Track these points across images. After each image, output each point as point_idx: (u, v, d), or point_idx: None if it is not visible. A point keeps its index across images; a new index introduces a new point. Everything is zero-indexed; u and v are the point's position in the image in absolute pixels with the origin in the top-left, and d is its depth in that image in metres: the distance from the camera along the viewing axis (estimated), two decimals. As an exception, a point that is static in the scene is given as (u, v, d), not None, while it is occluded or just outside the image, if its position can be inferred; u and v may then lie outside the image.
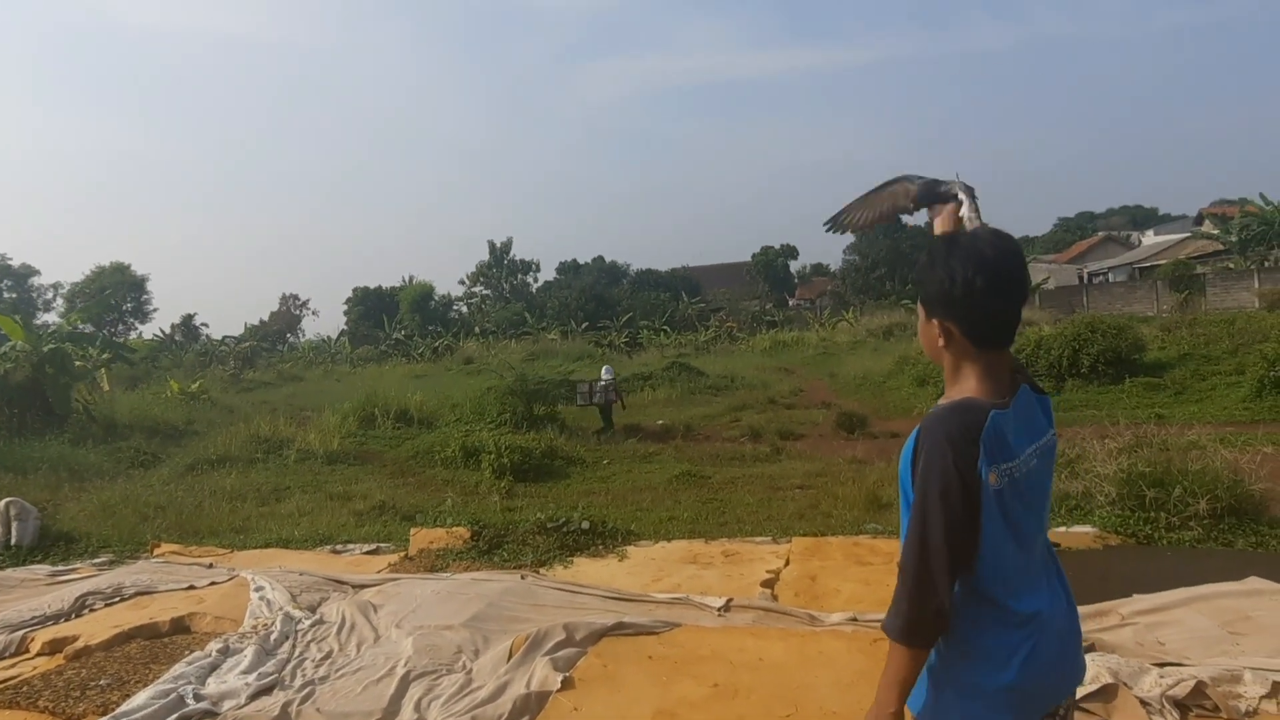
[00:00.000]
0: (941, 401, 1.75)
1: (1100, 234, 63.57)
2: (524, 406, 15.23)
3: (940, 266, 1.71)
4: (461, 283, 64.33)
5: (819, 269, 72.15)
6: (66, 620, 5.40)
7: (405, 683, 4.00)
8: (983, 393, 1.69)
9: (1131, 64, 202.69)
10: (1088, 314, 22.71)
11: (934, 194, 2.21)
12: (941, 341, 1.75)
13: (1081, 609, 4.36)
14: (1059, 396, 15.48)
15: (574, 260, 67.58)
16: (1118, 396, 14.82)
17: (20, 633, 5.09)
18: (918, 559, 1.64)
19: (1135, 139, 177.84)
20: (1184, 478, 6.32)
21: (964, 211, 2.11)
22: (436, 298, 57.02)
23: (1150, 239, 54.90)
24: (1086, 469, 7.11)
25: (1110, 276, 47.87)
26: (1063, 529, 6.27)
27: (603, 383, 15.87)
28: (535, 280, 64.79)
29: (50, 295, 57.15)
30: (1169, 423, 10.66)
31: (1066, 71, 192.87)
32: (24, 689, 4.26)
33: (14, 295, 52.91)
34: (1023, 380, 1.78)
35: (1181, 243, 45.19)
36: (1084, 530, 6.25)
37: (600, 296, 50.95)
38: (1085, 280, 48.45)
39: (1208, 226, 45.04)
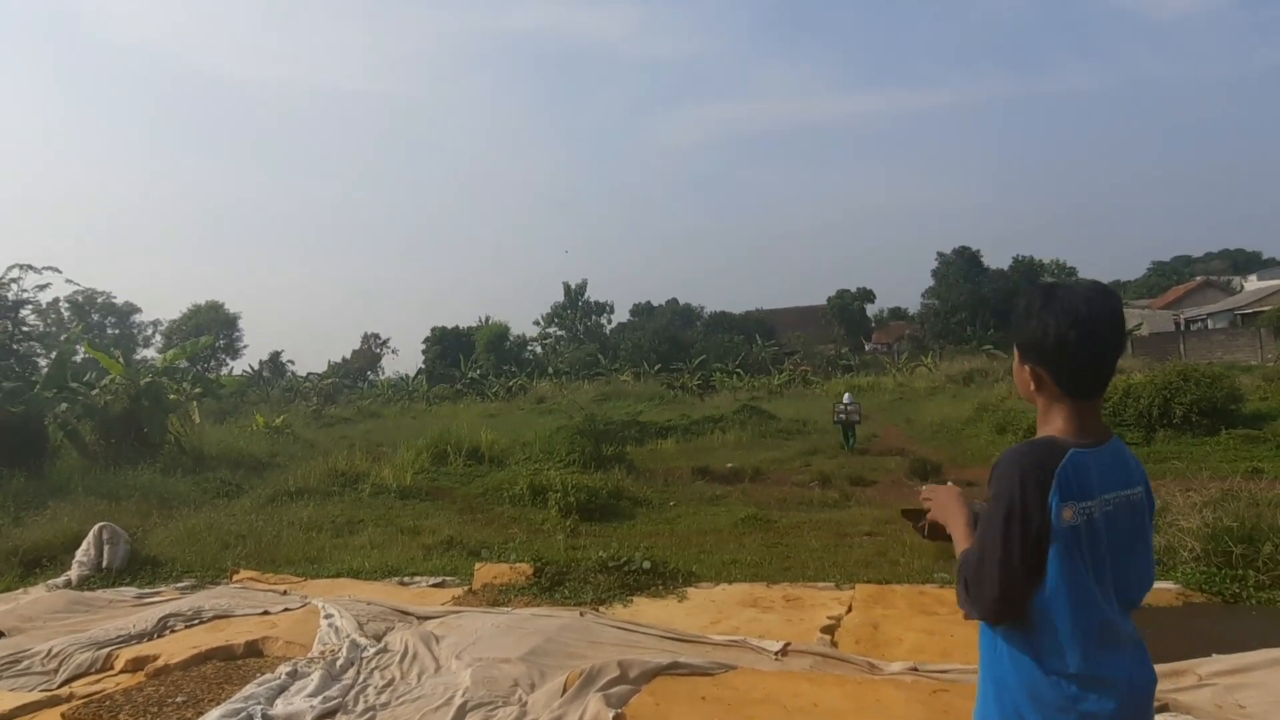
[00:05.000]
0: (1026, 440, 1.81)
1: (1199, 278, 61.42)
2: (593, 446, 15.32)
3: (1035, 318, 1.78)
4: (536, 323, 65.57)
5: (897, 313, 71.15)
6: (149, 640, 5.67)
7: (462, 712, 4.07)
8: (1068, 434, 1.75)
9: (1233, 104, 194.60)
10: (1180, 362, 21.76)
11: None
12: (1033, 386, 1.83)
13: (1157, 668, 4.16)
14: (1149, 448, 14.84)
15: (648, 302, 68.39)
16: (1212, 449, 14.11)
17: (106, 650, 5.38)
18: (975, 569, 1.72)
19: (1237, 180, 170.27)
20: (1275, 534, 6.00)
21: None
22: (511, 338, 58.06)
23: (1253, 284, 52.78)
24: (1169, 523, 6.81)
25: (1209, 323, 46.02)
26: (1142, 584, 6.00)
27: (851, 405, 18.21)
28: (609, 322, 65.61)
29: (150, 332, 60.36)
30: (1265, 477, 10.12)
31: (1163, 112, 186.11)
32: (106, 703, 4.48)
33: (116, 331, 55.76)
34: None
35: (1286, 288, 43.27)
36: (1165, 587, 5.97)
37: (673, 338, 51.13)
38: (1182, 327, 46.63)
39: (1314, 272, 43.02)
